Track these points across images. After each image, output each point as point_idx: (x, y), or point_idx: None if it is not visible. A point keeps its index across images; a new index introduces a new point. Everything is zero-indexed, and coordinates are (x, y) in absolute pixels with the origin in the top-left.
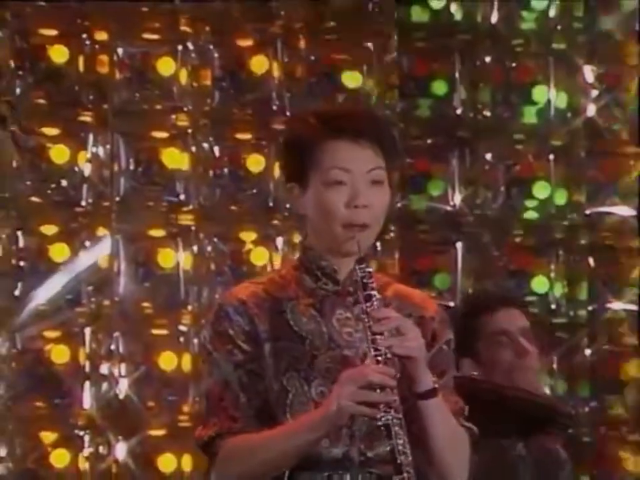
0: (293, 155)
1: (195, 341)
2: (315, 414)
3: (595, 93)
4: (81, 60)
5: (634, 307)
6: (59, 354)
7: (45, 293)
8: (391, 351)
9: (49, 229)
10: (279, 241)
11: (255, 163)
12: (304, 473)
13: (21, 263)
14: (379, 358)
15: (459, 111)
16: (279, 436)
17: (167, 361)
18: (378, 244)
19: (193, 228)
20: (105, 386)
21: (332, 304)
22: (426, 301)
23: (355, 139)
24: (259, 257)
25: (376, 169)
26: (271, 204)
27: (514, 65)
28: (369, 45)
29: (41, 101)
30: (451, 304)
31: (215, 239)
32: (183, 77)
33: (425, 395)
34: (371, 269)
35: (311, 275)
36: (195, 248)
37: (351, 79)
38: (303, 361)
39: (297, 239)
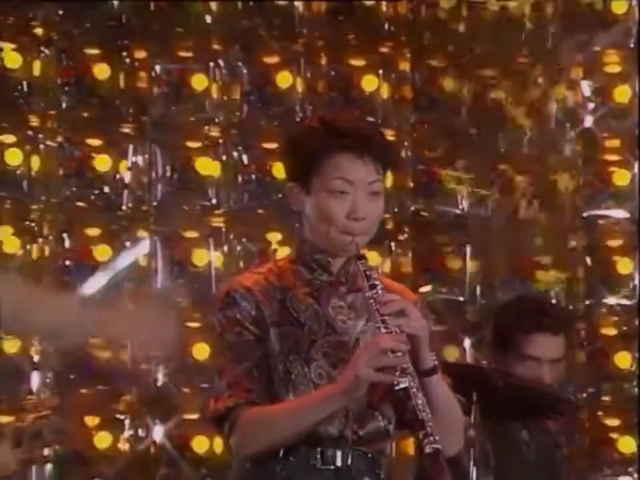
0: (299, 159)
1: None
2: (334, 387)
3: (591, 105)
4: (121, 76)
5: (627, 302)
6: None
7: (89, 289)
8: (401, 329)
9: (93, 232)
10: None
11: (280, 170)
12: (301, 448)
13: (67, 263)
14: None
15: (466, 121)
16: (299, 407)
17: (199, 351)
18: (393, 245)
19: (224, 229)
20: (152, 373)
21: (327, 293)
22: (405, 290)
23: (359, 154)
24: (283, 255)
25: (376, 181)
26: (294, 207)
27: (517, 77)
28: (384, 59)
29: (85, 115)
30: (461, 299)
31: (244, 240)
32: (215, 91)
33: (428, 372)
34: (370, 263)
35: (307, 266)
36: (225, 248)
37: (369, 83)
38: (303, 345)
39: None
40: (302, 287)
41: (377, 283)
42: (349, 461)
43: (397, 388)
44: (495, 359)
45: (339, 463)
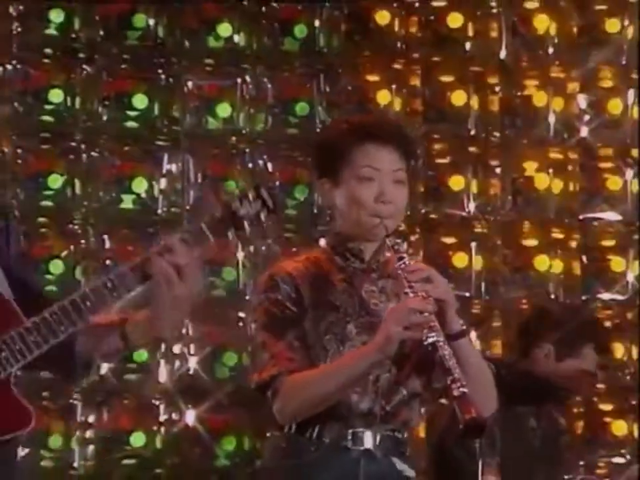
0: (328, 154)
1: (253, 325)
2: (367, 348)
3: (587, 117)
4: (157, 92)
5: (620, 297)
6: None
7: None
8: (428, 294)
9: (131, 233)
10: (322, 242)
11: (303, 176)
12: (335, 425)
13: (107, 262)
14: None
15: (473, 132)
16: (336, 368)
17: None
18: (405, 244)
19: (250, 230)
20: (177, 363)
21: (360, 279)
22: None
23: (383, 144)
24: (305, 255)
25: (399, 170)
26: (315, 210)
27: (519, 93)
28: (397, 76)
29: (124, 127)
30: (467, 294)
31: (269, 241)
32: (243, 105)
33: (457, 335)
34: (399, 240)
35: (341, 255)
36: (251, 247)
37: (383, 97)
38: (338, 326)
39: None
40: (337, 273)
41: (404, 255)
42: (377, 442)
43: (425, 342)
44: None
45: (368, 444)
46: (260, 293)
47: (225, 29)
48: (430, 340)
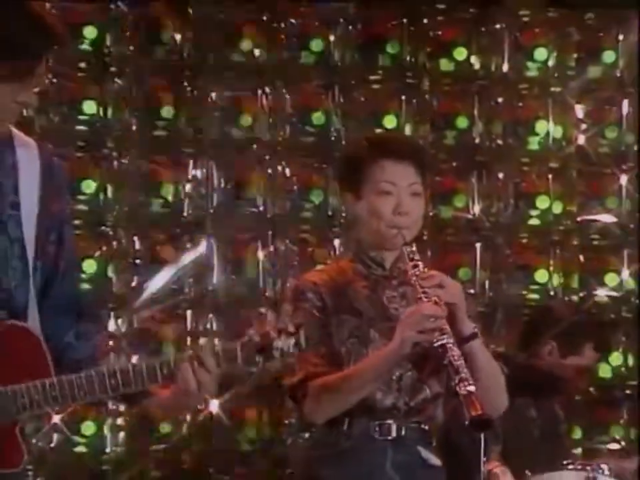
0: (350, 170)
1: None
2: (384, 350)
3: (584, 126)
4: (183, 103)
5: (615, 294)
6: (167, 332)
7: (156, 284)
8: (440, 298)
9: (159, 235)
10: (336, 242)
11: (319, 181)
12: (363, 418)
13: (137, 261)
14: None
15: (477, 140)
16: (358, 370)
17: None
18: (414, 245)
19: (270, 232)
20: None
21: (382, 286)
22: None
23: (400, 160)
24: (320, 255)
25: (415, 183)
26: (330, 213)
27: (520, 104)
28: (407, 87)
29: (153, 135)
30: (471, 291)
31: (287, 241)
32: (263, 115)
33: (469, 337)
34: (414, 248)
35: (364, 263)
36: (271, 248)
37: (390, 121)
38: (361, 330)
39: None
40: (360, 281)
41: (418, 263)
42: (403, 432)
43: (435, 345)
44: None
45: (394, 433)
46: (288, 302)
47: (246, 45)
48: (439, 342)
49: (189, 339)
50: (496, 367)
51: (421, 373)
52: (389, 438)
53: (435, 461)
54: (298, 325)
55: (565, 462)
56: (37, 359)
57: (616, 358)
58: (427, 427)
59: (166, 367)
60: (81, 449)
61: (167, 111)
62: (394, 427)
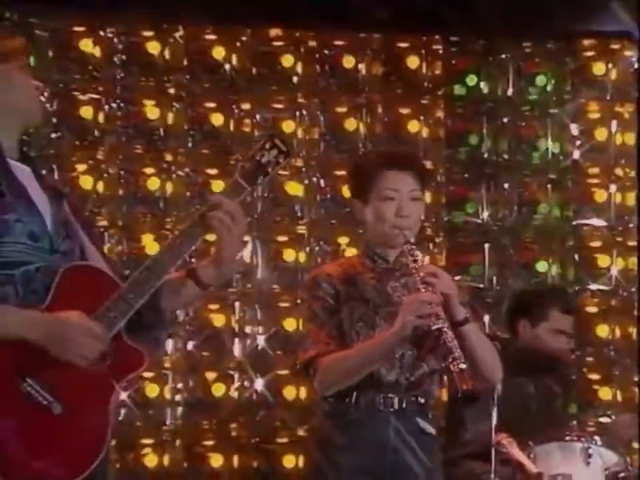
0: (358, 180)
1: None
2: (388, 332)
3: (578, 143)
4: (231, 123)
5: (605, 287)
6: (218, 320)
7: None
8: (435, 288)
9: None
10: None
11: (347, 191)
12: (369, 392)
13: (192, 260)
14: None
15: (486, 155)
16: (364, 349)
17: (289, 324)
18: (431, 245)
19: (306, 235)
20: (248, 341)
21: (386, 277)
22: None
23: (401, 170)
24: (350, 254)
25: (414, 190)
26: (357, 217)
27: (523, 124)
28: (424, 109)
29: (205, 151)
30: (481, 285)
31: (321, 242)
32: (300, 132)
33: (462, 322)
34: (414, 245)
35: (370, 258)
36: (308, 248)
37: (413, 126)
38: (368, 315)
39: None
40: (367, 273)
41: (417, 258)
42: (404, 404)
43: (432, 328)
44: (526, 321)
45: (396, 405)
46: (306, 292)
47: (285, 72)
48: (435, 326)
49: (237, 326)
50: (489, 345)
51: (420, 351)
52: (392, 409)
53: (431, 429)
54: (271, 136)
55: (562, 434)
56: (108, 285)
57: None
58: (423, 401)
59: (197, 224)
60: (144, 421)
61: (217, 130)
62: (396, 400)
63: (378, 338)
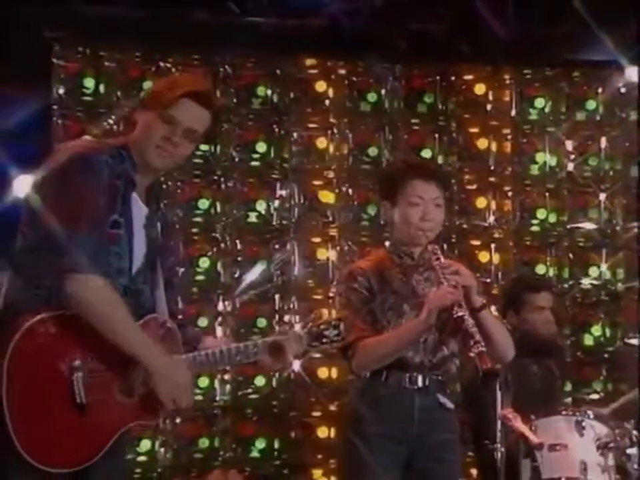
0: (388, 185)
1: (337, 305)
2: (416, 320)
3: (572, 157)
4: (272, 140)
5: (596, 282)
6: (261, 311)
7: (253, 275)
8: (457, 282)
9: (255, 238)
10: (387, 243)
11: (374, 198)
12: (397, 372)
13: (238, 259)
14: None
15: (492, 167)
16: (396, 334)
17: (323, 313)
18: (445, 245)
19: (337, 236)
20: (287, 327)
21: (411, 272)
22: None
23: (427, 179)
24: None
25: (438, 197)
26: (382, 222)
27: (524, 140)
28: (439, 128)
29: (250, 165)
30: (488, 280)
31: (349, 243)
32: (331, 148)
33: (480, 308)
34: (436, 245)
35: (397, 255)
36: (338, 248)
37: (426, 153)
38: (397, 305)
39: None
40: (395, 268)
41: (440, 256)
42: (427, 383)
43: (455, 316)
44: (512, 312)
45: (420, 384)
46: (342, 283)
47: (318, 96)
48: (458, 314)
49: (277, 316)
50: (503, 327)
51: (441, 336)
52: (416, 387)
53: (450, 405)
54: (340, 317)
55: (559, 409)
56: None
57: (597, 330)
58: (444, 379)
59: (273, 347)
60: (198, 397)
61: (260, 147)
62: (420, 379)
63: (407, 325)
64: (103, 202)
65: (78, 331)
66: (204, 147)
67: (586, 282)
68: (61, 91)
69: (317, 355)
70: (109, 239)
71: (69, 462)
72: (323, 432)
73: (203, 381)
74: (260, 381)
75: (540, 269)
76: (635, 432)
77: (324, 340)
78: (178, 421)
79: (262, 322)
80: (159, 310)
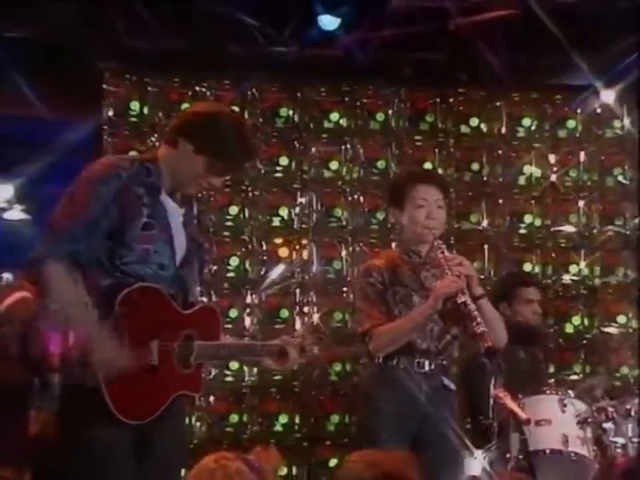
0: (397, 192)
1: (354, 297)
2: (425, 304)
3: (555, 169)
4: (293, 155)
5: (576, 278)
6: (284, 303)
7: (276, 272)
8: (460, 272)
9: (278, 240)
10: (393, 244)
11: (381, 205)
12: (406, 357)
13: (264, 258)
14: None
15: (485, 179)
16: (407, 320)
17: (338, 306)
18: (444, 246)
19: (349, 239)
20: (305, 318)
21: (419, 268)
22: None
23: (429, 185)
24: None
25: (439, 199)
26: (389, 225)
27: (513, 154)
28: (439, 145)
29: (274, 177)
30: (482, 277)
31: (360, 244)
32: (344, 163)
33: (480, 297)
34: (441, 241)
35: (406, 254)
36: (350, 249)
37: (427, 166)
38: (407, 297)
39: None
40: (405, 265)
41: (444, 250)
42: (432, 367)
43: (459, 302)
44: (505, 304)
45: (426, 368)
46: (360, 277)
47: (334, 116)
48: (461, 300)
49: (297, 308)
50: (497, 315)
51: (445, 325)
52: (423, 371)
53: (452, 386)
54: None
55: (544, 388)
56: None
57: (576, 320)
58: (447, 364)
59: (279, 351)
60: (228, 379)
61: (282, 160)
62: (427, 364)
63: (416, 311)
64: (95, 209)
65: (155, 303)
66: None
67: (567, 278)
68: (111, 113)
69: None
70: (142, 240)
71: (139, 415)
72: (337, 409)
73: (234, 365)
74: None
75: (527, 267)
76: (610, 408)
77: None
78: (211, 399)
79: (284, 313)
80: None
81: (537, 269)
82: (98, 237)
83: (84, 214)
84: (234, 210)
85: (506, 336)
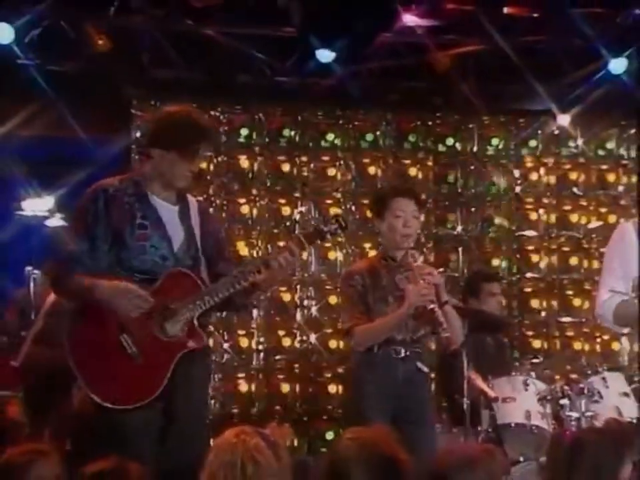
0: (378, 204)
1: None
2: (399, 311)
3: (519, 182)
4: (295, 169)
5: (537, 275)
6: (286, 297)
7: None
8: (429, 281)
9: (281, 243)
10: (380, 248)
11: (369, 213)
12: (386, 348)
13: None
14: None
15: (459, 190)
16: (385, 321)
17: (332, 300)
18: (425, 249)
19: (344, 241)
20: (305, 311)
21: (394, 272)
22: (432, 268)
23: (406, 197)
24: (371, 254)
25: (415, 210)
26: (377, 231)
27: (484, 169)
28: (421, 160)
29: (278, 188)
30: (456, 275)
31: (353, 247)
32: (338, 175)
33: (444, 303)
34: (414, 250)
35: (385, 259)
36: (344, 250)
37: (413, 172)
38: (384, 297)
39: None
40: (383, 269)
41: (417, 259)
42: (408, 353)
43: (428, 308)
44: (474, 299)
45: (403, 354)
46: (343, 280)
47: (330, 136)
48: (430, 307)
49: (298, 301)
50: (457, 317)
51: (417, 322)
52: (400, 357)
53: (425, 369)
54: (336, 215)
55: (509, 371)
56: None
57: (537, 311)
58: (420, 350)
59: (265, 262)
60: (238, 363)
61: (285, 172)
62: (403, 350)
63: (393, 314)
64: (90, 219)
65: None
66: (244, 174)
67: (529, 275)
68: (138, 134)
69: (329, 331)
70: (138, 238)
71: (130, 399)
72: (332, 389)
73: (244, 341)
74: (286, 350)
75: (495, 266)
76: (566, 387)
77: (327, 236)
78: (224, 380)
79: (286, 306)
80: (203, 276)
81: (503, 266)
82: (100, 242)
83: (82, 226)
84: (244, 215)
85: (462, 336)
